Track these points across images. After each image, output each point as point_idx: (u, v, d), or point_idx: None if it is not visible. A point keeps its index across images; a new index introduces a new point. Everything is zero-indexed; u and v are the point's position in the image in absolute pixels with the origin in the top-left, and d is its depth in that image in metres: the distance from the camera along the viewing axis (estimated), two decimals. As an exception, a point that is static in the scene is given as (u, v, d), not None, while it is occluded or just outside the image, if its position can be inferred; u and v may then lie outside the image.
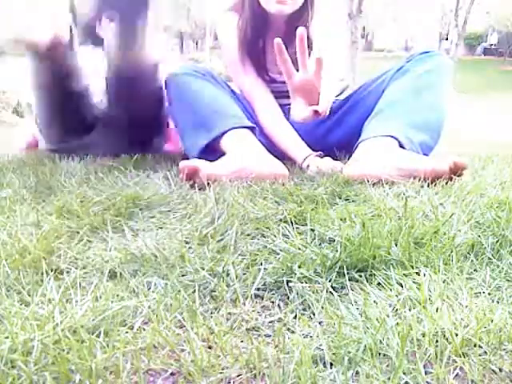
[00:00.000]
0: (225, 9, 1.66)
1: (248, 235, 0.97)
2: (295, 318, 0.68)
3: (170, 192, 1.26)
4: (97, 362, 0.53)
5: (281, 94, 1.62)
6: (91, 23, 2.11)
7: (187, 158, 1.45)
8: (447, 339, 0.59)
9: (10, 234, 0.92)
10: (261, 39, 1.61)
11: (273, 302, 0.73)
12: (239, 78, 1.66)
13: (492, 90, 24.61)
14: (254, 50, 1.61)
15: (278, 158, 1.46)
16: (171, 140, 2.21)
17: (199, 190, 1.29)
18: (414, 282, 0.74)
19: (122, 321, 0.64)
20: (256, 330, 0.65)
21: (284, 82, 1.41)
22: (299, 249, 0.87)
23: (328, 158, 1.51)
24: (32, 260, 0.82)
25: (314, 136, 1.62)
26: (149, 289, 0.75)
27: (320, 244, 0.92)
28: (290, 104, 1.43)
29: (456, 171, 1.34)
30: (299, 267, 0.79)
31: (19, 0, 1.57)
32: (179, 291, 0.72)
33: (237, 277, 0.78)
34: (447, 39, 31.26)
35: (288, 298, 0.74)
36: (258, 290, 0.76)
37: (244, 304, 0.71)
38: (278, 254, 0.87)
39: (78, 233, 0.98)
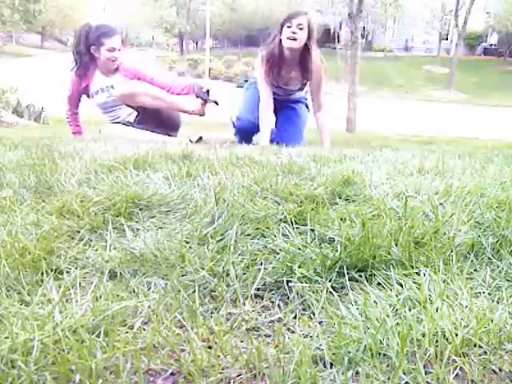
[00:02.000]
0: (262, 44, 3.04)
1: (248, 235, 0.97)
2: (295, 318, 0.68)
3: (170, 192, 1.26)
4: (97, 362, 0.53)
5: (275, 94, 3.11)
6: None
7: None
8: (447, 339, 0.59)
9: (9, 234, 0.92)
10: (276, 64, 2.96)
11: (273, 302, 0.73)
12: (261, 83, 3.03)
13: (492, 90, 24.61)
14: (272, 68, 2.96)
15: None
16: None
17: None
18: (413, 282, 0.74)
19: (121, 321, 0.64)
20: (256, 330, 0.65)
21: (278, 88, 3.06)
22: (299, 249, 0.87)
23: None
24: (32, 260, 0.82)
25: None
26: (149, 289, 0.75)
27: (320, 244, 0.92)
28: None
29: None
30: (299, 267, 0.80)
31: None
32: (179, 291, 0.72)
33: (237, 277, 0.78)
34: (447, 39, 31.25)
35: (288, 298, 0.74)
36: (258, 290, 0.76)
37: (244, 304, 0.71)
38: (278, 253, 0.87)
39: (78, 232, 0.98)
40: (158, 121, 3.14)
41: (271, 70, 2.96)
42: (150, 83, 3.11)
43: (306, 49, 2.90)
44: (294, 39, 2.83)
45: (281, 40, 2.87)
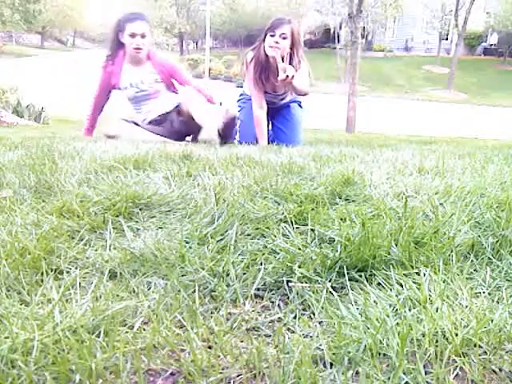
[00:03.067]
0: (250, 48, 3.03)
1: (248, 235, 0.97)
2: (295, 318, 0.68)
3: (170, 192, 1.26)
4: (97, 362, 0.53)
5: (267, 100, 3.10)
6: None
7: None
8: (447, 339, 0.59)
9: (9, 234, 0.92)
10: (263, 70, 2.96)
11: (273, 302, 0.73)
12: (252, 88, 3.03)
13: (492, 90, 24.61)
14: (260, 76, 2.98)
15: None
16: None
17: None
18: (413, 282, 0.74)
19: (121, 321, 0.64)
20: (256, 330, 0.65)
21: (268, 93, 3.08)
22: (299, 249, 0.87)
23: None
24: (32, 260, 0.82)
25: None
26: (149, 289, 0.75)
27: (320, 244, 0.92)
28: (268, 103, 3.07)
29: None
30: (299, 267, 0.80)
31: None
32: (179, 291, 0.72)
33: (237, 277, 0.78)
34: (447, 39, 31.24)
35: (288, 298, 0.74)
36: (258, 290, 0.76)
37: (244, 304, 0.71)
38: (278, 253, 0.87)
39: (78, 232, 0.98)
40: (180, 131, 3.04)
41: (260, 77, 2.96)
42: (183, 84, 3.07)
43: (289, 57, 2.86)
44: (277, 48, 2.80)
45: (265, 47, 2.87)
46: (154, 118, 3.10)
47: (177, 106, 3.00)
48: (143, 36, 2.96)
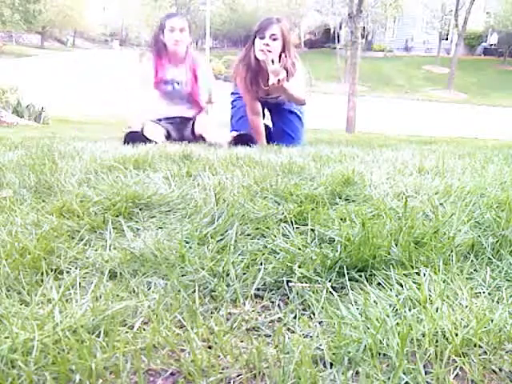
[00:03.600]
0: (238, 58, 2.89)
1: (248, 235, 0.97)
2: (295, 318, 0.68)
3: (170, 192, 1.26)
4: (97, 362, 0.53)
5: (263, 103, 3.00)
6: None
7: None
8: (447, 339, 0.59)
9: (9, 234, 0.92)
10: (255, 77, 2.81)
11: (273, 302, 0.73)
12: (245, 95, 2.92)
13: (492, 90, 24.62)
14: (252, 83, 2.83)
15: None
16: None
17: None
18: (413, 282, 0.74)
19: (121, 321, 0.64)
20: (256, 330, 0.65)
21: (261, 98, 2.95)
22: (299, 249, 0.87)
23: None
24: (32, 260, 0.82)
25: None
26: (149, 289, 0.75)
27: (320, 244, 0.92)
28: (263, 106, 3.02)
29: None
30: (299, 267, 0.80)
31: None
32: (179, 291, 0.72)
33: (237, 277, 0.78)
34: (447, 39, 31.24)
35: (288, 298, 0.74)
36: (258, 290, 0.76)
37: (244, 304, 0.71)
38: (278, 253, 0.87)
39: (78, 232, 0.98)
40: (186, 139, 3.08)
41: (252, 85, 2.81)
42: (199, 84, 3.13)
43: (283, 59, 2.62)
44: (268, 51, 2.62)
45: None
46: (173, 115, 3.15)
47: (193, 117, 3.13)
48: (182, 30, 3.04)
